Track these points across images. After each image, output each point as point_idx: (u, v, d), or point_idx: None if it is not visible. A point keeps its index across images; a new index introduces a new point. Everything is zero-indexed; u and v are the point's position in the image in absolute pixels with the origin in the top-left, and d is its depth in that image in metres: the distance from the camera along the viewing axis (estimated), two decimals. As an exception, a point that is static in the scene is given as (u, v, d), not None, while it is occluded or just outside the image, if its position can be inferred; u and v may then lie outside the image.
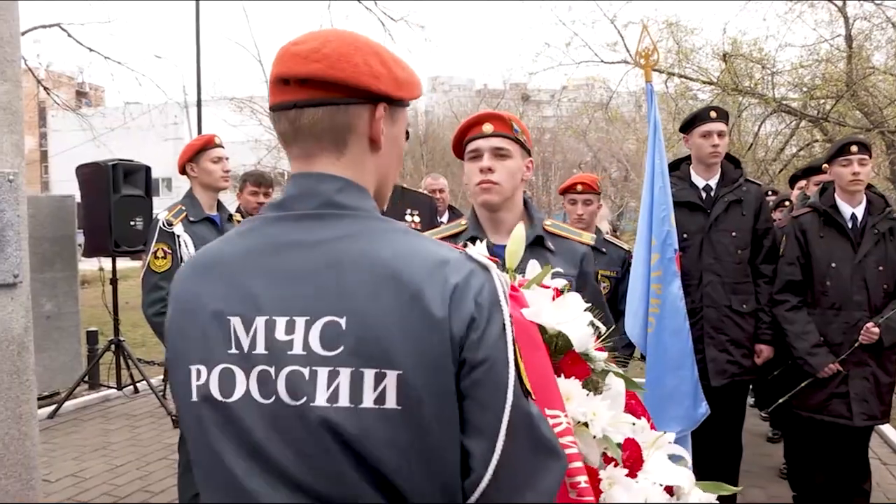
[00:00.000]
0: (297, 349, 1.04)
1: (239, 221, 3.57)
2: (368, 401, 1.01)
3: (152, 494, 4.60)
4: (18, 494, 2.92)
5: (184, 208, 3.88)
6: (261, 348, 1.06)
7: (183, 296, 1.16)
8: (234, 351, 1.08)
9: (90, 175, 6.81)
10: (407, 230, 1.13)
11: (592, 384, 1.49)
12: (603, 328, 1.62)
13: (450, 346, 1.02)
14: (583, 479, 1.27)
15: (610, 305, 4.20)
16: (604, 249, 4.11)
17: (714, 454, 3.81)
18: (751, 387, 4.69)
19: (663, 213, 3.59)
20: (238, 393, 1.07)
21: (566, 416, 1.32)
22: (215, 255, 1.17)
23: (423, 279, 1.03)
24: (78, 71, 21.52)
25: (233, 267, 1.12)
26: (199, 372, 1.10)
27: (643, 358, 4.25)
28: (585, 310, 1.53)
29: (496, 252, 1.83)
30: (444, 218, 6.21)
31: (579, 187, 4.17)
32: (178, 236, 3.75)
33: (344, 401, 1.01)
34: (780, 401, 3.91)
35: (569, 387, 1.41)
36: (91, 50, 12.07)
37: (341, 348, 1.02)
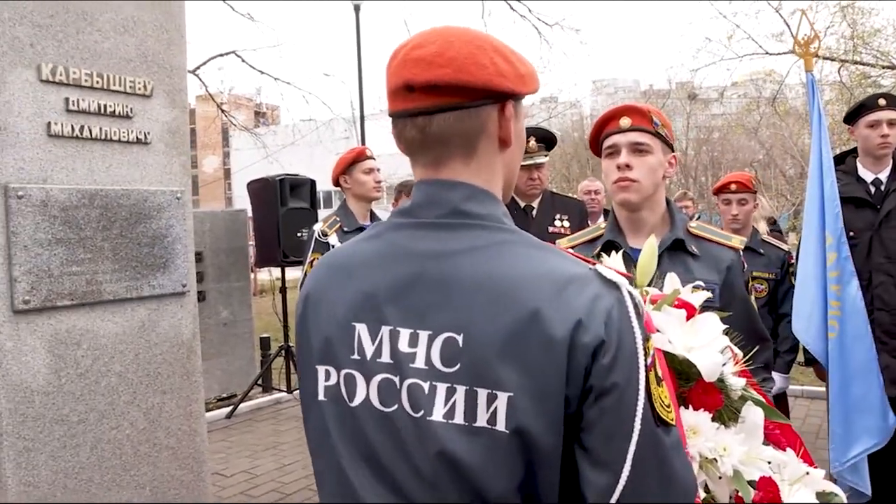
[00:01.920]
0: (420, 363, 1.04)
1: None
2: (482, 420, 0.99)
3: (314, 493, 4.82)
4: (191, 485, 3.18)
5: (338, 219, 4.08)
6: (386, 357, 1.07)
7: (313, 295, 1.18)
8: (356, 357, 1.09)
9: (259, 190, 7.27)
10: (534, 243, 1.09)
11: (727, 414, 1.34)
12: (740, 353, 1.46)
13: (566, 372, 0.97)
14: None
15: (770, 308, 4.01)
16: (761, 251, 3.97)
17: (893, 475, 3.49)
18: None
19: (836, 209, 3.35)
20: (359, 398, 1.09)
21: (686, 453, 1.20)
22: (344, 257, 1.18)
23: (543, 299, 0.99)
24: (255, 93, 23.12)
25: (359, 271, 1.13)
26: (327, 373, 1.12)
27: (807, 363, 3.98)
28: (724, 332, 1.38)
29: (635, 258, 1.72)
30: (599, 221, 6.10)
31: (733, 186, 4.03)
32: (333, 246, 3.93)
33: (459, 418, 1.00)
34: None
35: (696, 420, 1.28)
36: (262, 73, 12.90)
37: (458, 365, 1.01)
